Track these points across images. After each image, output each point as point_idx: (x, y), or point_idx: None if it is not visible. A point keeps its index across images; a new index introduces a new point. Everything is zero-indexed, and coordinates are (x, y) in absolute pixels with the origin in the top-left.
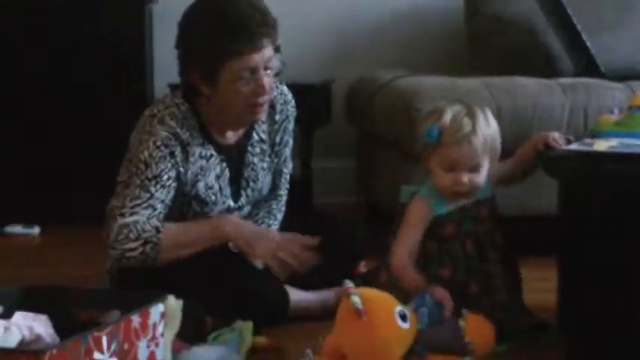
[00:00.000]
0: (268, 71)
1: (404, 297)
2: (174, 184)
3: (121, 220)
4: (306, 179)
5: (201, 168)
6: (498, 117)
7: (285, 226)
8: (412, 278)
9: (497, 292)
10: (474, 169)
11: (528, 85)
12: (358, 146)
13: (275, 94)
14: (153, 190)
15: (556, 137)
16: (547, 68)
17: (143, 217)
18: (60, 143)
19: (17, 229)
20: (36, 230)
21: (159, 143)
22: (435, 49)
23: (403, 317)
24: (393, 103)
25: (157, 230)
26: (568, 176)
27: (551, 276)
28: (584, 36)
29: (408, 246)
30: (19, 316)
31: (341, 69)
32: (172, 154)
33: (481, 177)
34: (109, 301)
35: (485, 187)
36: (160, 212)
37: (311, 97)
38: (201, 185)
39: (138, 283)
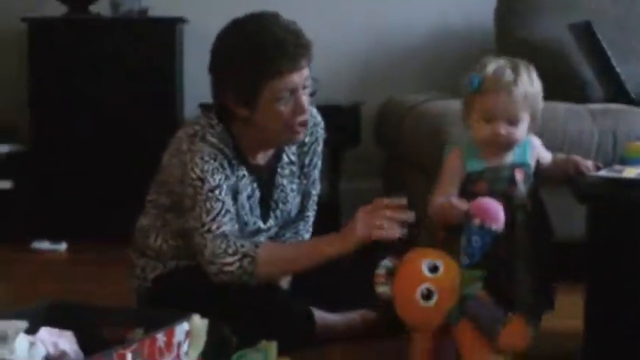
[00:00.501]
0: (306, 91)
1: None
2: (231, 196)
3: (211, 235)
4: (334, 201)
5: (237, 185)
6: None
7: None
8: (454, 205)
9: (517, 259)
10: (513, 121)
11: (558, 110)
12: (386, 168)
13: None
14: (221, 197)
15: (588, 165)
16: (577, 94)
17: (229, 226)
18: (89, 161)
19: (44, 244)
20: (63, 246)
21: (206, 158)
22: (464, 71)
23: (427, 296)
24: (421, 125)
25: (255, 245)
26: (597, 203)
27: (579, 302)
28: (614, 62)
29: (443, 195)
30: (44, 332)
31: (370, 91)
32: (222, 166)
33: (519, 132)
34: (134, 320)
35: (523, 151)
36: (233, 216)
37: (340, 119)
38: (238, 203)
39: (164, 303)
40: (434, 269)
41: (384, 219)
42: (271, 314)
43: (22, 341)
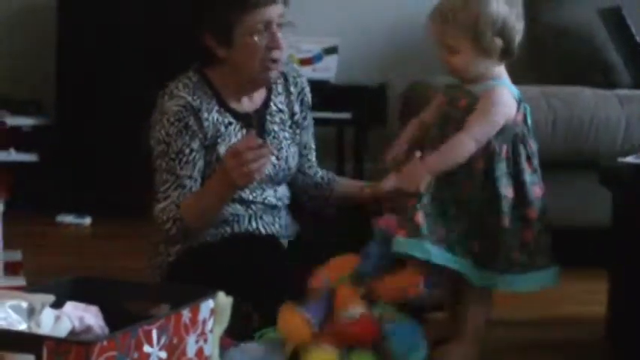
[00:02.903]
0: (280, 29)
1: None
2: (199, 155)
3: (157, 207)
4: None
5: (220, 133)
6: (554, 127)
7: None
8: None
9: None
10: (451, 50)
11: (585, 95)
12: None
13: (287, 69)
14: (178, 169)
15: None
16: (605, 79)
17: (174, 197)
18: (114, 135)
19: (69, 218)
20: (87, 220)
21: (172, 119)
22: None
23: None
24: None
25: (177, 206)
26: (622, 188)
27: (601, 289)
28: None
29: None
30: (70, 306)
31: (397, 72)
32: (187, 126)
33: (455, 60)
34: (159, 295)
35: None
36: (191, 188)
37: (367, 99)
38: (221, 149)
39: (188, 279)
40: None
41: (252, 163)
42: (294, 294)
43: (48, 315)
